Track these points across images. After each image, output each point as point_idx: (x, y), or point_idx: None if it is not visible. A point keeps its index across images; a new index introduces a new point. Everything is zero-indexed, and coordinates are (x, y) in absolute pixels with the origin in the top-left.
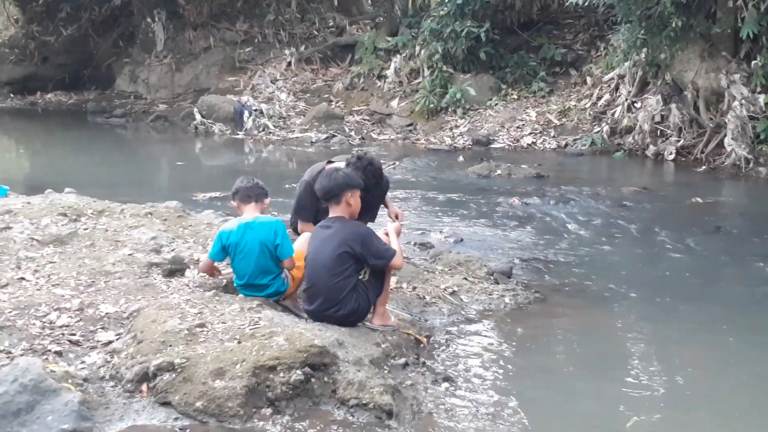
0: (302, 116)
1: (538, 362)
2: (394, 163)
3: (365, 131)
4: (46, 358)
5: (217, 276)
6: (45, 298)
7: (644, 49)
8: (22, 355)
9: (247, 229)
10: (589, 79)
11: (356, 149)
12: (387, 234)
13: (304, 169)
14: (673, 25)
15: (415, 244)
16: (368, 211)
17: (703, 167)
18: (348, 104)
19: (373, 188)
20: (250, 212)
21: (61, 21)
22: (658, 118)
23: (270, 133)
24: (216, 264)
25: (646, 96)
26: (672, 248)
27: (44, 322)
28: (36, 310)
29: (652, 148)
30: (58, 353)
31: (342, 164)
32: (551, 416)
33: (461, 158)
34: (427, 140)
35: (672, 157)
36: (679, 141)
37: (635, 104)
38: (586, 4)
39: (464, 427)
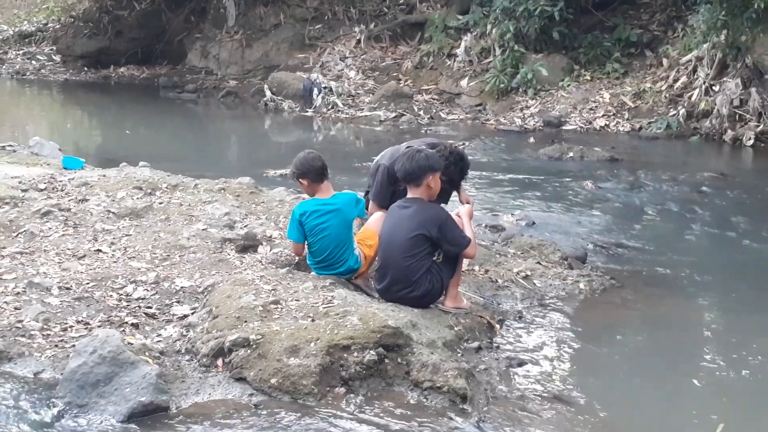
0: (371, 94)
1: (613, 351)
2: (463, 144)
3: (434, 110)
4: (123, 330)
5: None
6: (121, 271)
7: (724, 31)
8: (99, 326)
9: (328, 209)
10: (665, 61)
11: (425, 129)
12: (459, 216)
13: (372, 148)
14: (756, 6)
15: (486, 226)
16: (444, 195)
17: None
18: (417, 83)
19: (458, 180)
20: (326, 190)
21: None
22: (737, 102)
23: (339, 111)
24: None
25: (724, 79)
26: (752, 237)
27: (121, 295)
28: (113, 282)
29: (730, 132)
30: (135, 326)
31: (422, 147)
32: (626, 409)
33: (532, 140)
34: (496, 121)
35: (751, 142)
36: (758, 126)
37: (713, 87)
38: None
39: (537, 413)
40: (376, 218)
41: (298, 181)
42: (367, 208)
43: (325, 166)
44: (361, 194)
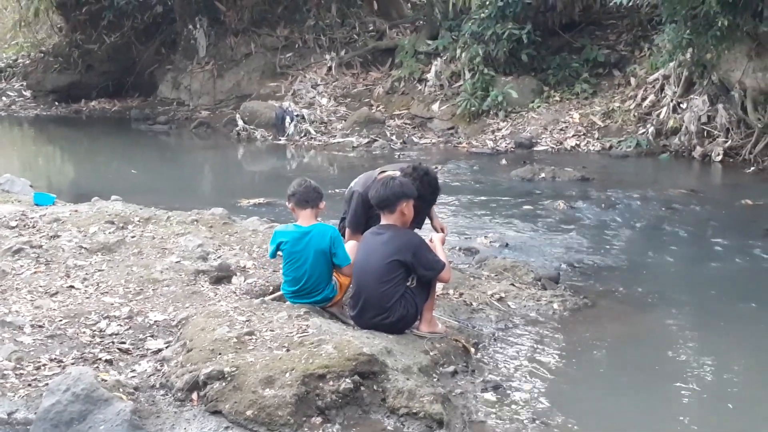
0: (343, 121)
1: (589, 370)
2: (436, 167)
3: (406, 135)
4: (97, 367)
5: None
6: (94, 306)
7: (690, 49)
8: (73, 363)
9: (303, 237)
10: (633, 80)
11: (398, 154)
12: (432, 242)
13: (346, 174)
14: (719, 24)
15: (460, 249)
16: (416, 219)
17: (752, 168)
18: (389, 108)
19: (428, 198)
20: (306, 218)
21: (104, 29)
22: (704, 119)
23: (311, 138)
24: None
25: (692, 96)
26: (723, 252)
27: (94, 331)
28: (86, 318)
29: (698, 149)
30: (109, 362)
31: (396, 173)
32: (603, 428)
33: (504, 161)
34: (469, 143)
35: (719, 158)
36: (726, 142)
37: (681, 105)
38: (630, 4)
39: None
40: (350, 247)
41: (287, 204)
42: (343, 235)
43: (308, 193)
44: (334, 222)
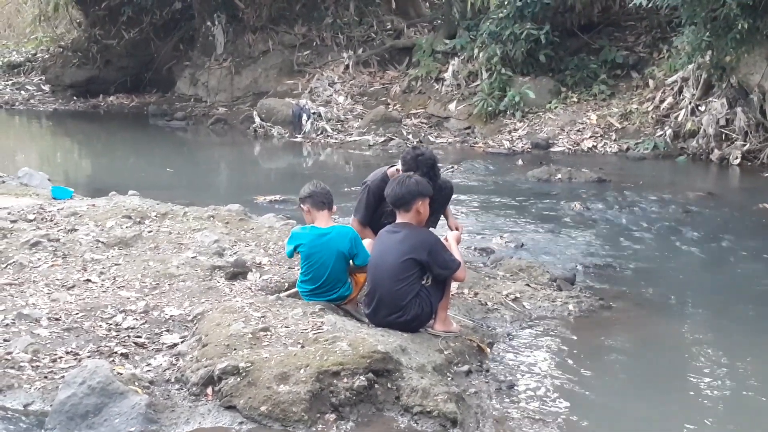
0: (360, 119)
1: (603, 372)
2: (452, 167)
3: (423, 134)
4: (113, 360)
5: None
6: (111, 300)
7: (709, 52)
8: (89, 356)
9: (321, 238)
10: (651, 82)
11: None
12: (447, 241)
13: (362, 172)
14: (739, 27)
15: (475, 249)
16: (430, 216)
17: None
18: (405, 107)
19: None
20: (323, 219)
21: (123, 24)
22: (722, 122)
23: (328, 136)
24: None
25: (710, 99)
26: (739, 255)
27: (110, 324)
28: (102, 311)
29: (716, 152)
30: (125, 355)
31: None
32: (615, 428)
33: (520, 162)
34: (485, 143)
35: (737, 161)
36: (744, 145)
37: (699, 107)
38: (649, 5)
39: None
40: (366, 245)
41: (301, 206)
42: None
43: (326, 194)
44: (345, 222)
